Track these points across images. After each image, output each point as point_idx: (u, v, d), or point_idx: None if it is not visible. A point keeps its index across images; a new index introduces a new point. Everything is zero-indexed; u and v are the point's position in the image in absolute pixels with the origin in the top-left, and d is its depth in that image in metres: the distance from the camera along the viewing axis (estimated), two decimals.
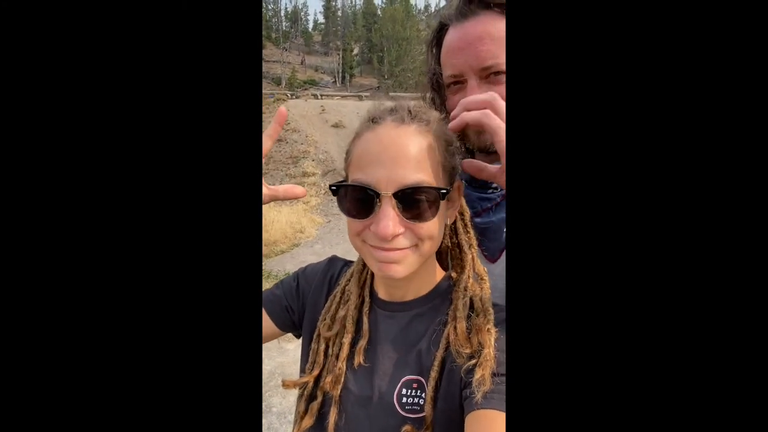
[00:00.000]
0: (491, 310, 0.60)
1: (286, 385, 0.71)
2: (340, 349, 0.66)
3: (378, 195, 0.55)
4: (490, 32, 0.71)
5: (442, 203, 0.58)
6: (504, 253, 0.77)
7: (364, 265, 0.72)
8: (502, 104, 0.55)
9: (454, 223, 0.68)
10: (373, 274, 0.71)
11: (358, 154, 0.58)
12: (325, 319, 0.70)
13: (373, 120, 0.59)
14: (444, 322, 0.62)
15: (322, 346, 0.69)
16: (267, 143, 0.59)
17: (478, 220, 0.78)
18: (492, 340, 0.56)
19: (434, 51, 0.81)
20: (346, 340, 0.66)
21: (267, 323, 0.76)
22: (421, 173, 0.55)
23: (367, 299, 0.69)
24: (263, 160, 0.54)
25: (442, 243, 0.68)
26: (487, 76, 0.72)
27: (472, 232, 0.68)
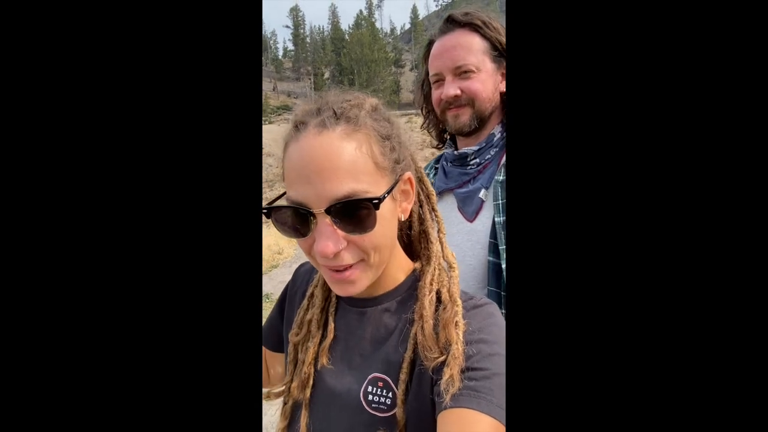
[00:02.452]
0: (459, 302, 0.58)
1: (267, 397, 0.73)
2: (306, 352, 0.66)
3: (311, 213, 0.52)
4: (461, 42, 1.01)
5: (389, 202, 0.55)
6: (479, 214, 0.99)
7: None
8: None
9: (421, 207, 0.67)
10: None
11: (287, 170, 0.55)
12: (293, 327, 0.70)
13: (297, 126, 0.55)
14: (411, 321, 0.61)
15: (292, 353, 0.69)
16: None
17: (461, 191, 1.02)
18: (460, 335, 0.55)
19: (425, 62, 1.11)
20: (312, 342, 0.65)
21: (274, 359, 0.77)
22: (352, 182, 0.51)
23: (333, 299, 0.68)
24: None
25: (411, 230, 0.68)
26: (459, 74, 1.00)
27: (439, 215, 0.67)
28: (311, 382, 0.64)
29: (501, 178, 0.98)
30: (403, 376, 0.57)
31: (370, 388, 0.59)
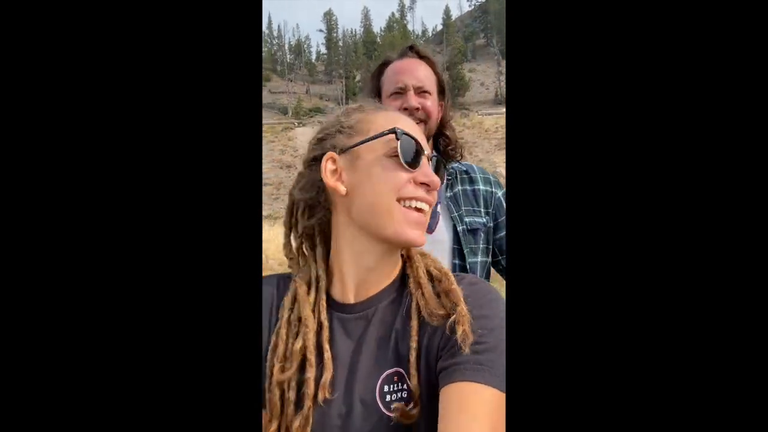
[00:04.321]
0: (451, 274, 0.61)
1: None
2: (300, 389, 0.58)
3: (423, 150, 0.61)
4: (422, 69, 1.17)
5: None
6: (438, 225, 1.09)
7: (310, 285, 0.64)
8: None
9: None
10: (327, 290, 0.65)
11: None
12: (274, 361, 0.60)
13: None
14: (409, 294, 0.61)
15: (277, 393, 0.59)
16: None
17: None
18: (461, 296, 0.56)
19: (376, 77, 1.23)
20: (311, 374, 0.58)
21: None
22: None
23: (325, 324, 0.62)
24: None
25: None
26: (419, 92, 1.14)
27: None
28: (312, 419, 0.58)
29: (450, 193, 1.16)
30: (413, 344, 0.57)
31: (386, 388, 0.58)
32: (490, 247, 1.16)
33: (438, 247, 1.08)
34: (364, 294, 0.63)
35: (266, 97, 60.86)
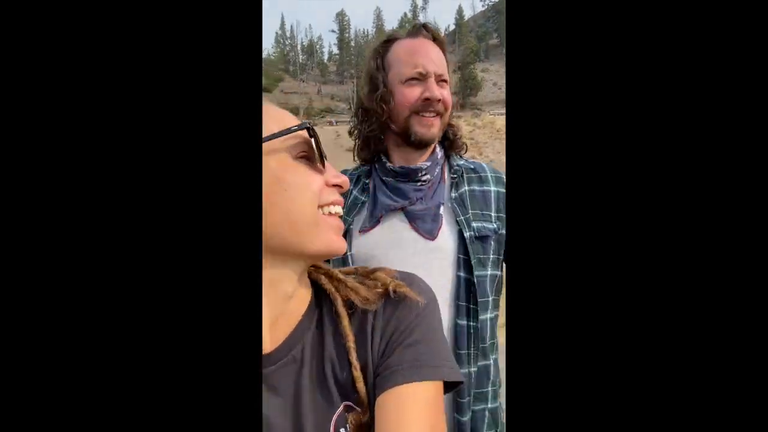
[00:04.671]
0: (356, 267, 0.59)
1: None
2: None
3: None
4: (440, 54, 1.00)
5: None
6: (440, 230, 0.95)
7: None
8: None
9: None
10: None
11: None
12: None
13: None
14: (328, 301, 0.54)
15: None
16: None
17: (413, 207, 0.96)
18: (387, 273, 0.55)
19: (380, 56, 1.02)
20: None
21: None
22: None
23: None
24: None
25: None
26: (438, 80, 0.97)
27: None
28: None
29: (455, 194, 0.98)
30: (353, 354, 0.50)
31: (342, 431, 0.50)
32: (501, 258, 0.98)
33: (439, 256, 0.94)
34: (282, 333, 0.52)
35: (278, 97, 61.22)
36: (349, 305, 0.53)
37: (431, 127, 0.96)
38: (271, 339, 0.51)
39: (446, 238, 0.94)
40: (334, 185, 0.52)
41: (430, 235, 0.94)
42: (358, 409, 0.52)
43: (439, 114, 0.97)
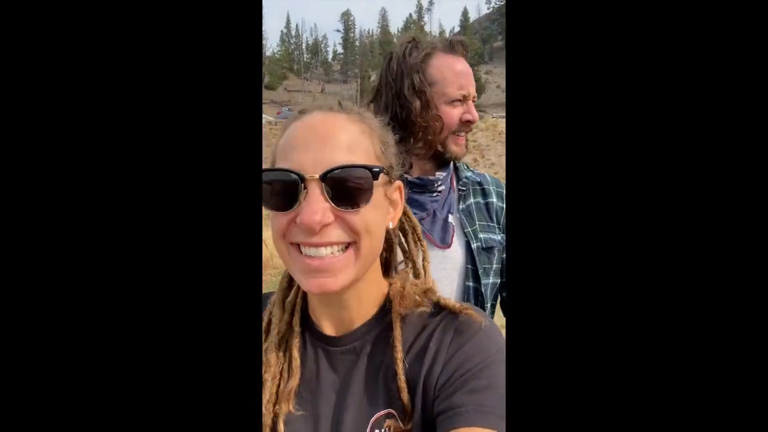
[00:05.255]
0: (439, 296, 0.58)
1: None
2: (264, 391, 0.54)
3: (303, 179, 0.47)
4: (468, 67, 1.01)
5: (382, 198, 0.53)
6: (453, 238, 0.97)
7: (290, 282, 0.62)
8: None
9: (405, 237, 0.64)
10: (304, 296, 0.61)
11: (282, 144, 0.52)
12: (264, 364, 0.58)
13: (301, 112, 0.54)
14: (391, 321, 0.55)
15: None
16: None
17: (430, 219, 0.97)
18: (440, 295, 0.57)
19: (419, 70, 0.98)
20: (269, 376, 0.55)
21: None
22: (353, 155, 0.49)
23: (296, 329, 0.58)
24: None
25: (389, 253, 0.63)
26: (471, 100, 1.01)
27: (425, 245, 0.65)
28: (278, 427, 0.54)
29: (463, 206, 1.02)
30: (404, 393, 0.51)
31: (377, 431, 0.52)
32: (501, 266, 1.02)
33: (448, 266, 0.96)
34: (342, 326, 0.57)
35: (282, 95, 61.43)
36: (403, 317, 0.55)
37: (463, 146, 1.02)
38: (335, 330, 0.57)
39: (455, 247, 0.98)
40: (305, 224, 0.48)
41: (444, 243, 0.96)
42: (398, 418, 0.51)
43: (466, 132, 1.02)
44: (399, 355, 0.52)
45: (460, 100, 0.98)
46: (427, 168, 1.01)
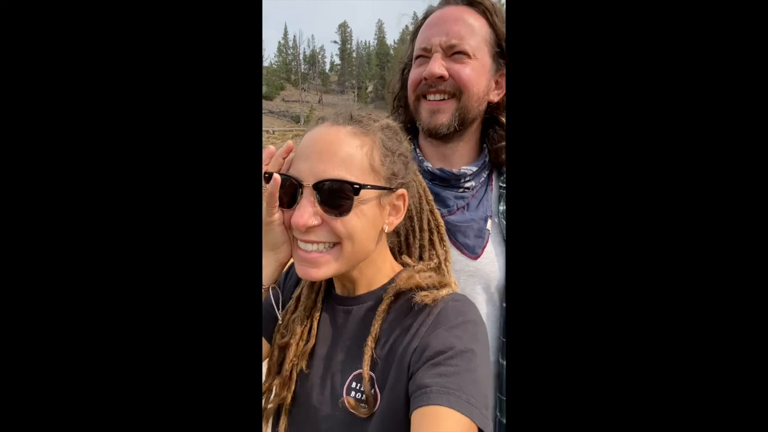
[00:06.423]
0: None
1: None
2: (288, 351, 0.67)
3: (301, 185, 0.59)
4: (464, 18, 0.77)
5: (374, 206, 0.60)
6: (485, 249, 0.77)
7: None
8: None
9: (431, 236, 0.69)
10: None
11: (298, 149, 0.63)
12: (279, 330, 0.71)
13: (317, 121, 0.65)
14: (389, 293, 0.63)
15: (276, 355, 0.70)
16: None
17: (453, 218, 0.78)
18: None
19: (412, 41, 0.84)
20: (294, 341, 0.67)
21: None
22: (344, 170, 0.57)
23: (318, 305, 0.70)
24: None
25: (411, 236, 0.68)
26: (451, 53, 0.76)
27: (447, 249, 0.68)
28: (293, 385, 0.66)
29: (504, 207, 0.80)
30: (369, 348, 0.60)
31: (354, 384, 0.60)
32: None
33: (481, 282, 0.76)
34: (347, 290, 0.69)
35: (279, 105, 61.66)
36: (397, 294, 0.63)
37: (438, 113, 0.78)
38: (341, 290, 0.70)
39: (490, 259, 0.77)
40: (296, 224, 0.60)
41: (473, 253, 0.77)
42: (372, 381, 0.59)
43: (449, 96, 0.77)
44: (376, 325, 0.61)
45: (423, 56, 0.80)
46: (444, 153, 0.82)
